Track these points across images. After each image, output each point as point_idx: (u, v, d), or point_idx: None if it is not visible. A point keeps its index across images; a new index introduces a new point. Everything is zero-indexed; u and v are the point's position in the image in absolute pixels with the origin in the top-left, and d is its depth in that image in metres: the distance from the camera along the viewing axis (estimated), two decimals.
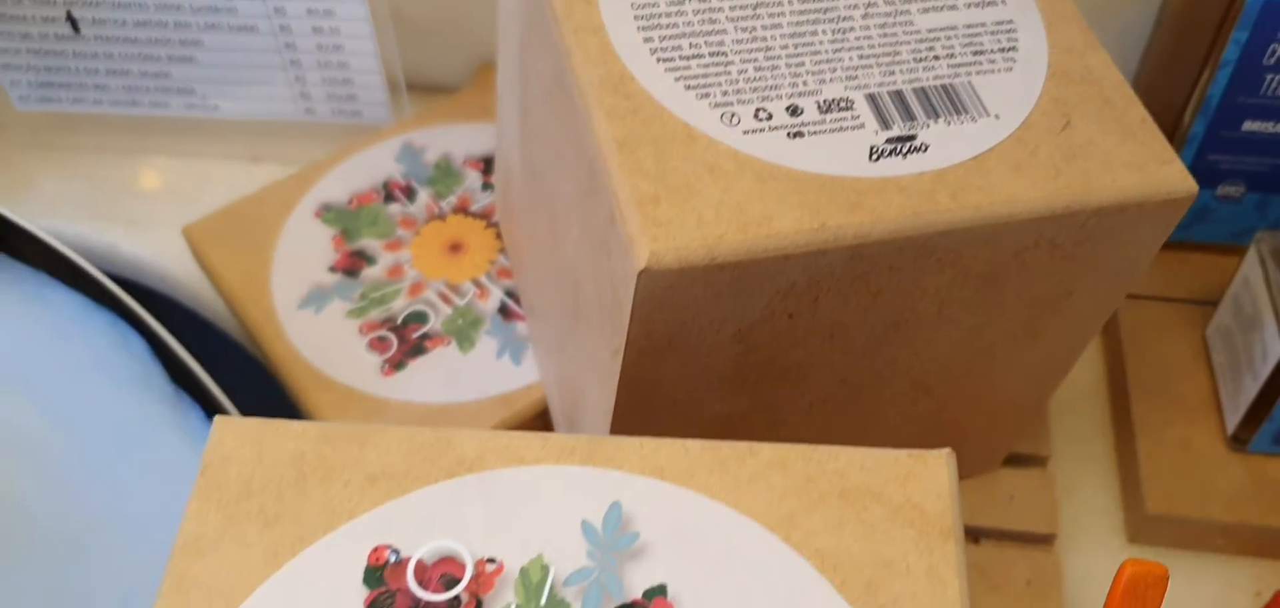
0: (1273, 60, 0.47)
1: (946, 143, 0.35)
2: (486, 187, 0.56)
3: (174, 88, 0.60)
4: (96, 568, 0.51)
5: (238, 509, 0.29)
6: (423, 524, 0.29)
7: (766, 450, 0.30)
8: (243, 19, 0.56)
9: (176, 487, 0.50)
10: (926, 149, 0.35)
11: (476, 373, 0.49)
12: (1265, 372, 0.46)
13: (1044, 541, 0.47)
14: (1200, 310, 0.53)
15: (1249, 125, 0.50)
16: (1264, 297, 0.46)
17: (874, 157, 0.35)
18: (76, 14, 0.56)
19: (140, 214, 0.60)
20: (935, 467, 0.29)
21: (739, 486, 0.29)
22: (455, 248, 0.54)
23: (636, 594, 0.28)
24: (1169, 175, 0.36)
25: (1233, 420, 0.48)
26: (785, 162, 0.34)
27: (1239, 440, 0.48)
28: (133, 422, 0.49)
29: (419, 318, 0.51)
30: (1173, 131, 0.51)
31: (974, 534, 0.48)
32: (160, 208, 0.60)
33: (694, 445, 0.30)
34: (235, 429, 0.31)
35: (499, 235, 0.54)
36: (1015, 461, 0.49)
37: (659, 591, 0.28)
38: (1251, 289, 0.47)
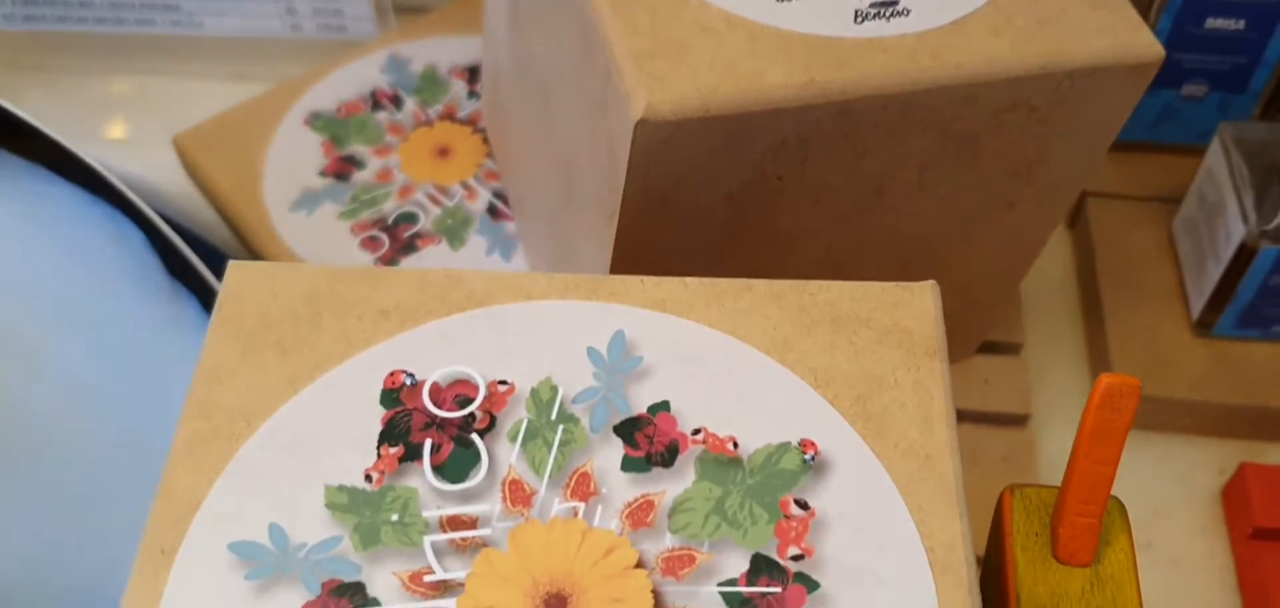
0: None
1: (927, 7, 0.37)
2: (473, 95, 0.57)
3: (159, 5, 0.60)
4: (96, 463, 0.51)
5: (255, 341, 0.30)
6: (435, 352, 0.30)
7: (761, 285, 0.31)
8: None
9: (174, 380, 0.51)
10: (908, 13, 0.36)
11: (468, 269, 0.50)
12: (1228, 254, 0.48)
13: (1019, 421, 0.49)
14: (1166, 208, 0.55)
15: (1212, 23, 0.51)
16: (1227, 183, 0.48)
17: (858, 19, 0.36)
18: None
19: (126, 133, 0.60)
20: (921, 295, 0.31)
21: (736, 316, 0.31)
22: (443, 152, 0.55)
23: (641, 409, 0.29)
24: (1138, 41, 0.37)
25: (1198, 305, 0.50)
26: (775, 22, 0.35)
27: (1204, 325, 0.50)
28: (130, 316, 0.50)
29: (409, 218, 0.52)
30: None
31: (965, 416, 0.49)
32: (146, 126, 0.60)
33: (692, 282, 0.31)
34: (250, 271, 0.32)
35: (485, 140, 0.55)
36: (990, 348, 0.51)
37: (662, 406, 0.29)
38: (1215, 178, 0.49)
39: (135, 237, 0.49)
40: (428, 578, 0.26)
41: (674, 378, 0.30)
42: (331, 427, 0.29)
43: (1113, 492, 0.31)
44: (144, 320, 0.50)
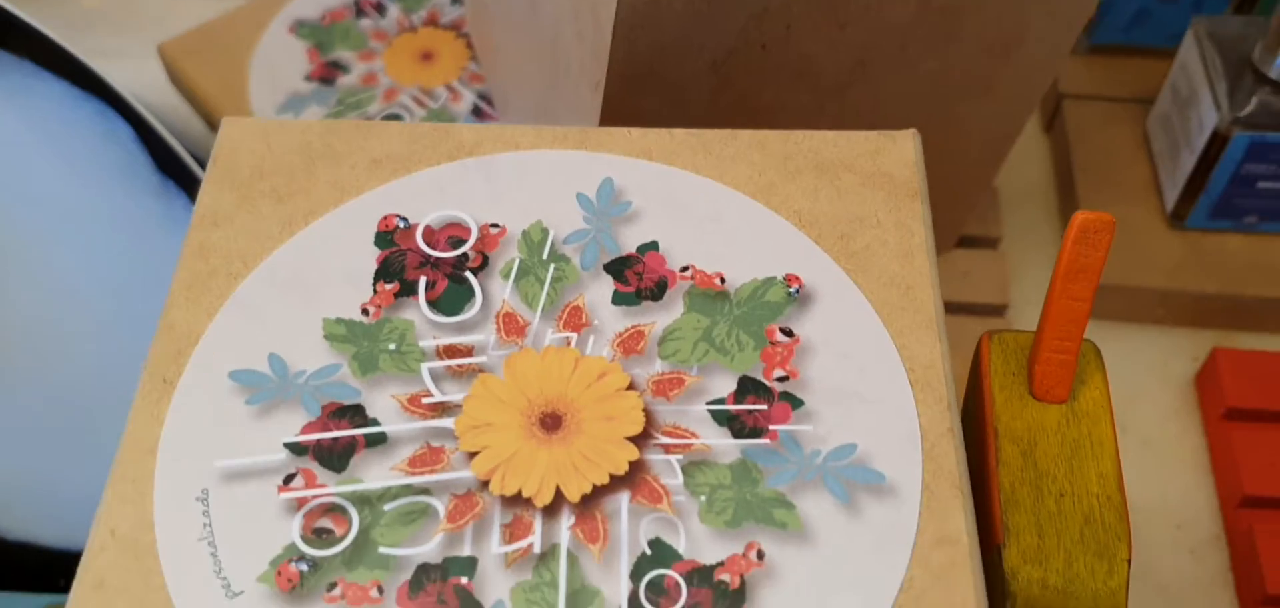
0: None
1: None
2: (455, 1, 0.58)
3: None
4: (89, 361, 0.52)
5: (251, 189, 0.31)
6: (427, 198, 0.31)
7: (746, 135, 0.32)
8: None
9: (164, 275, 0.51)
10: None
11: None
12: (1201, 143, 0.49)
13: (997, 310, 0.50)
14: (1141, 108, 0.56)
15: None
16: (1200, 75, 0.49)
17: None
18: None
19: (110, 45, 0.60)
20: (902, 142, 0.32)
21: (722, 163, 0.31)
22: (427, 57, 0.55)
23: (630, 249, 0.30)
24: None
25: (1171, 198, 0.51)
26: None
27: (1178, 217, 0.51)
28: (120, 212, 0.50)
29: (395, 119, 0.53)
30: None
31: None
32: (131, 38, 0.61)
33: (678, 132, 0.32)
34: (243, 125, 0.32)
35: (469, 45, 0.56)
36: (969, 242, 0.52)
37: (651, 246, 0.30)
38: (1188, 71, 0.50)
39: (125, 132, 0.49)
40: (426, 400, 0.27)
41: (662, 221, 0.30)
42: (327, 266, 0.29)
43: (1093, 345, 0.32)
44: (134, 217, 0.50)
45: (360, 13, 0.57)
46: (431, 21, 0.57)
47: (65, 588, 0.54)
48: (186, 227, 0.51)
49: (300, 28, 0.57)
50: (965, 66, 0.41)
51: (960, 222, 0.51)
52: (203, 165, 0.53)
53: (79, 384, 0.53)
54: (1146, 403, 0.49)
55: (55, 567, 0.54)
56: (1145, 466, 0.47)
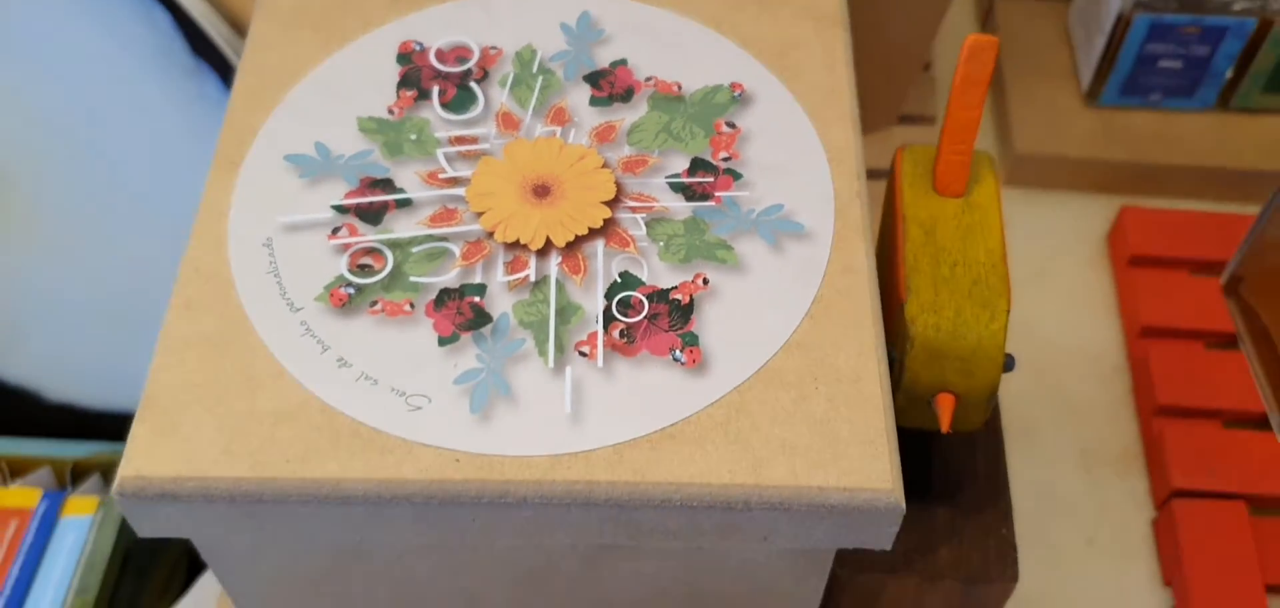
0: None
1: None
2: None
3: None
4: (131, 228, 0.59)
5: (292, 21, 0.38)
6: (437, 27, 0.37)
7: None
8: None
9: (197, 152, 0.58)
10: None
11: None
12: (1109, 25, 0.56)
13: None
14: (1063, 7, 0.62)
15: None
16: None
17: None
18: None
19: None
20: None
21: None
22: None
23: (603, 65, 0.37)
24: None
25: (1086, 79, 0.58)
26: None
27: (1092, 96, 0.58)
28: (157, 94, 0.57)
29: None
30: None
31: (873, 174, 0.57)
32: None
33: None
34: None
35: None
36: (908, 119, 0.59)
37: (620, 62, 0.37)
38: None
39: (163, 19, 0.56)
40: (441, 175, 0.34)
41: (630, 43, 0.37)
42: (358, 79, 0.36)
43: (987, 154, 0.39)
44: (171, 94, 0.57)
45: None
46: None
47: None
48: (218, 105, 0.58)
49: None
50: None
51: (898, 101, 0.58)
52: (231, 48, 0.59)
53: (122, 249, 0.59)
54: (1066, 256, 0.56)
55: (88, 426, 0.60)
56: (1064, 309, 0.55)
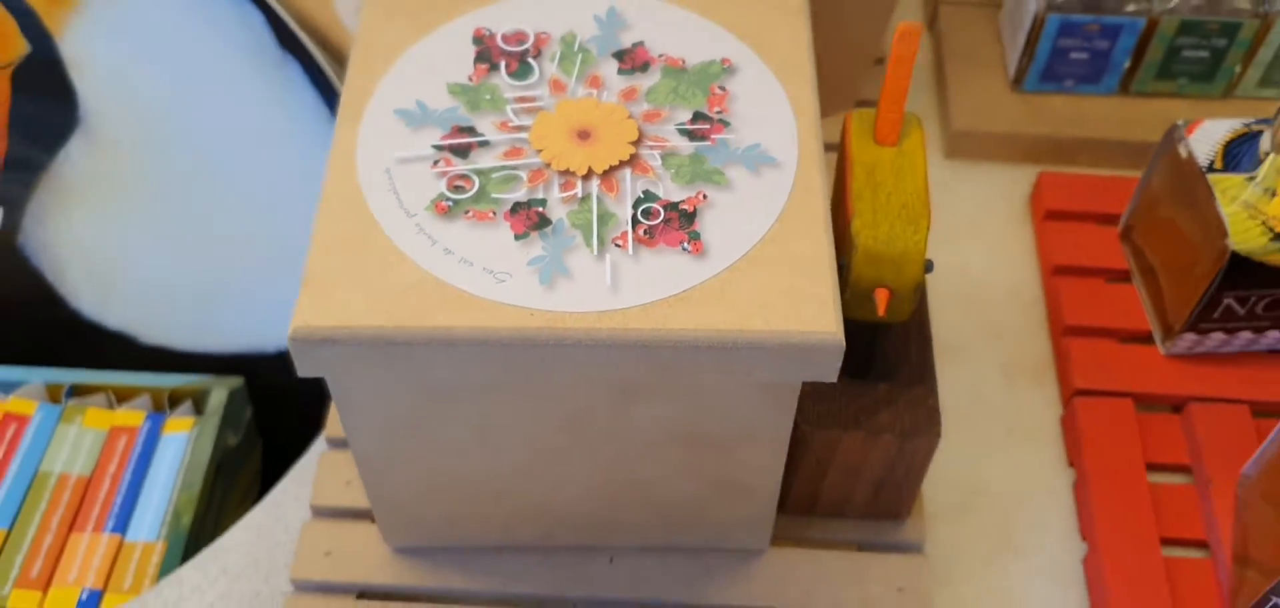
0: None
1: None
2: None
3: None
4: (225, 195, 0.71)
5: (392, 13, 0.50)
6: (502, 19, 0.50)
7: None
8: None
9: (284, 131, 0.70)
10: None
11: None
12: (1028, 23, 0.68)
13: None
14: (997, 10, 0.75)
15: None
16: None
17: None
18: None
19: None
20: None
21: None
22: None
23: (627, 46, 0.49)
24: None
25: (1012, 68, 0.71)
26: None
27: (1017, 83, 0.71)
28: (248, 81, 0.69)
29: None
30: None
31: (831, 147, 0.70)
32: None
33: None
34: None
35: None
36: (863, 103, 0.71)
37: (639, 43, 0.49)
38: None
39: (256, 17, 0.68)
40: (510, 125, 0.46)
41: (645, 29, 0.49)
42: (445, 57, 0.48)
43: (915, 116, 0.51)
44: (260, 83, 0.69)
45: None
46: None
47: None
48: (302, 91, 0.70)
49: None
50: None
51: (854, 88, 0.70)
52: (314, 43, 0.71)
53: (210, 214, 0.71)
54: (995, 214, 0.69)
55: (176, 366, 0.72)
56: (992, 255, 0.67)
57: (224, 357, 0.70)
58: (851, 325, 0.51)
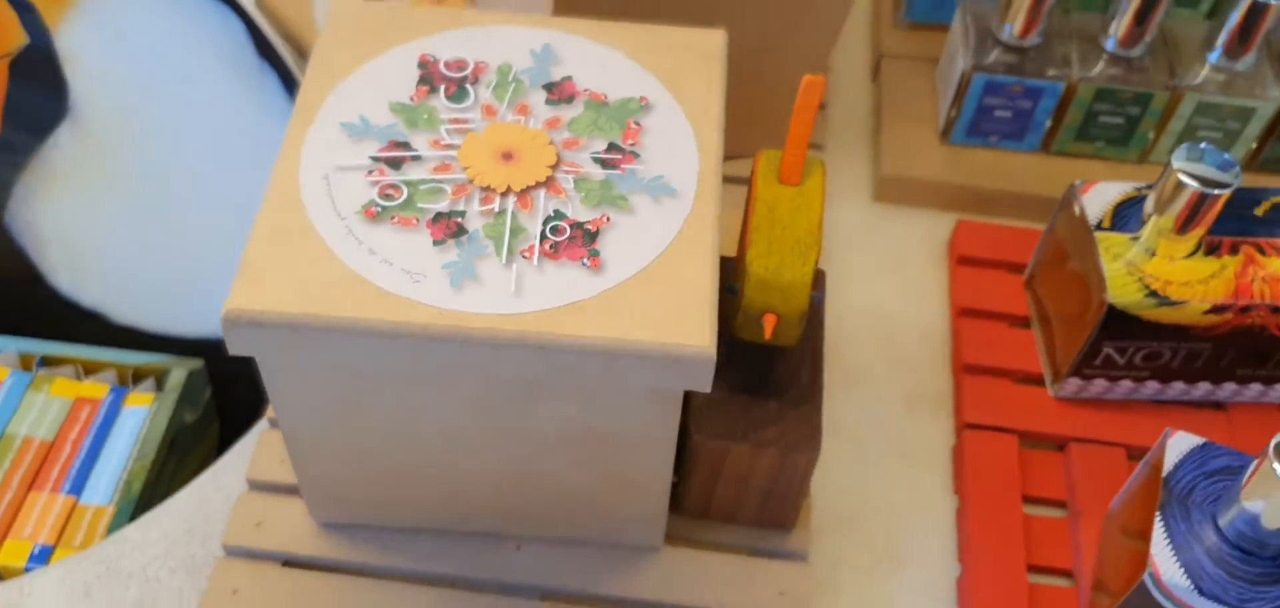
0: None
1: None
2: None
3: None
4: (199, 187, 0.76)
5: (348, 36, 0.55)
6: (446, 47, 0.55)
7: (625, 24, 0.56)
8: None
9: (258, 136, 0.75)
10: None
11: None
12: (954, 81, 0.73)
13: None
14: (934, 65, 0.80)
15: None
16: (960, 37, 0.74)
17: None
18: None
19: None
20: (716, 35, 0.56)
21: (610, 35, 0.56)
22: None
23: (556, 78, 0.54)
24: None
25: (941, 121, 0.76)
26: None
27: (945, 135, 0.76)
28: (227, 86, 0.74)
29: None
30: None
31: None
32: None
33: (585, 20, 0.56)
34: (351, 7, 0.56)
35: None
36: None
37: (568, 77, 0.54)
38: (955, 36, 0.75)
39: (237, 26, 0.73)
40: (442, 141, 0.51)
41: (576, 66, 0.54)
42: (392, 77, 0.53)
43: (820, 160, 0.56)
44: (239, 87, 0.74)
45: None
46: None
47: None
48: (279, 100, 0.75)
49: None
50: (777, 19, 0.66)
51: None
52: (289, 55, 0.77)
53: (183, 206, 0.77)
54: (914, 256, 0.74)
55: (145, 345, 0.77)
56: (908, 294, 0.72)
57: (188, 340, 0.75)
58: (749, 347, 0.56)
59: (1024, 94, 0.73)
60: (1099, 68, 0.72)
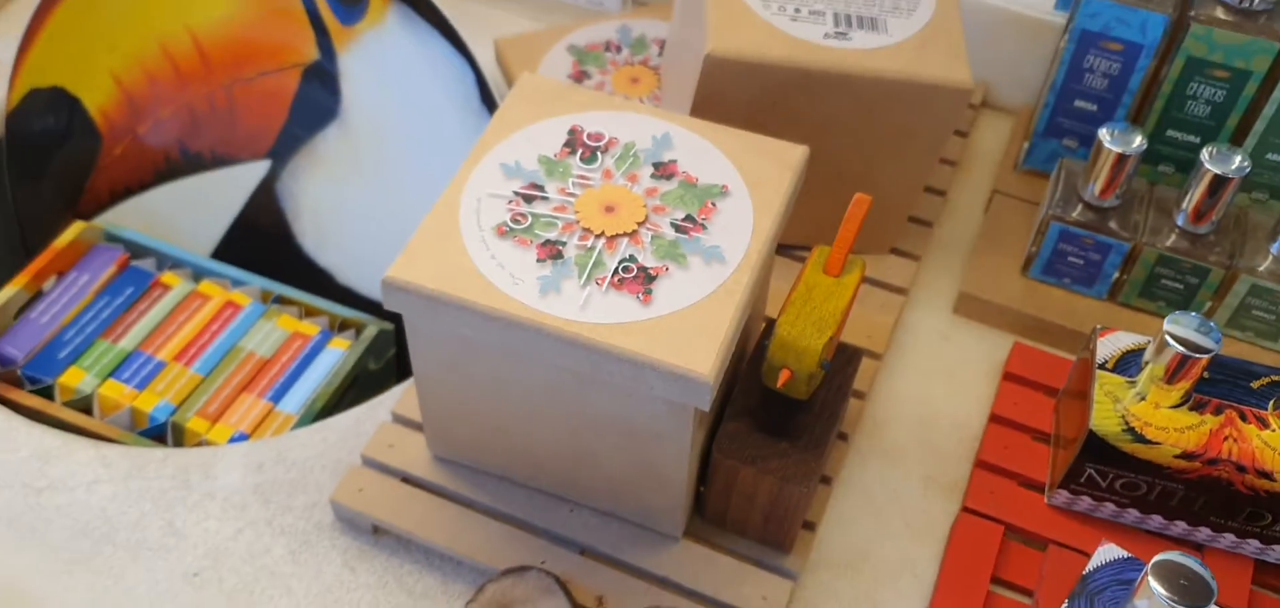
0: (1090, 65, 0.87)
1: (862, 40, 0.77)
2: (659, 53, 1.01)
3: None
4: (408, 194, 0.97)
5: (527, 100, 0.74)
6: (592, 122, 0.73)
7: (735, 131, 0.73)
8: None
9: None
10: (850, 38, 0.77)
11: None
12: (1037, 228, 0.85)
13: (901, 291, 0.88)
14: (1037, 207, 0.92)
15: (1078, 104, 0.89)
16: (1051, 188, 0.86)
17: (826, 37, 0.77)
18: None
19: (470, 36, 1.07)
20: (796, 150, 0.72)
21: (714, 134, 0.72)
22: (635, 81, 0.99)
23: (664, 159, 0.71)
24: (959, 74, 0.77)
25: (1024, 257, 0.88)
26: (787, 30, 0.77)
27: (1025, 269, 0.88)
28: (454, 118, 0.95)
29: None
30: (1033, 111, 0.91)
31: (867, 280, 0.89)
32: (478, 32, 1.07)
33: (699, 121, 0.73)
34: (534, 80, 0.76)
35: (658, 76, 0.99)
36: (897, 252, 0.90)
37: (673, 160, 0.71)
38: (1051, 185, 0.87)
39: (470, 76, 0.94)
40: (567, 191, 0.69)
41: (682, 153, 0.71)
42: (546, 137, 0.72)
43: (861, 260, 0.70)
44: (460, 125, 0.95)
45: (607, 48, 1.01)
46: (643, 63, 1.00)
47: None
48: None
49: (572, 49, 1.01)
50: (881, 139, 0.81)
51: (892, 237, 0.89)
52: None
53: (402, 206, 0.98)
54: (971, 366, 0.86)
55: (355, 302, 0.99)
56: (957, 397, 0.84)
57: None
58: (779, 398, 0.71)
59: (1094, 247, 0.84)
60: (1165, 236, 0.83)
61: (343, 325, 0.94)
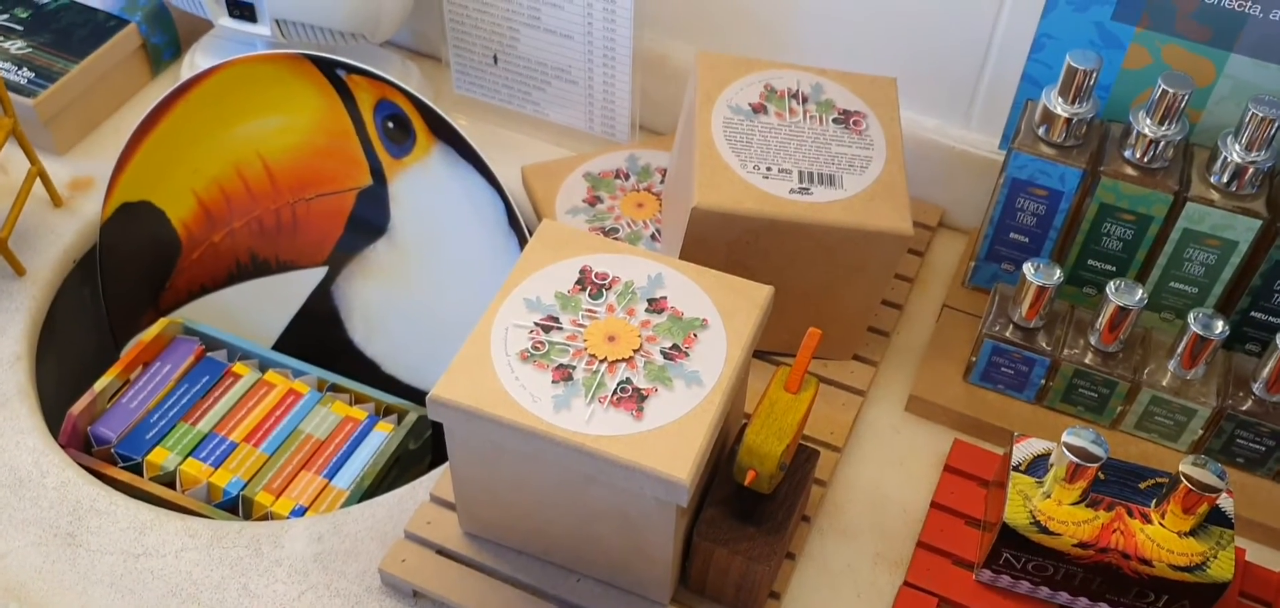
0: (1021, 206, 1.03)
1: (821, 194, 0.94)
2: (662, 180, 1.18)
3: (536, 98, 1.24)
4: (447, 309, 1.14)
5: (548, 243, 0.91)
6: (599, 263, 0.90)
7: (712, 273, 0.89)
8: (573, 76, 1.20)
9: (495, 280, 1.13)
10: (812, 192, 0.94)
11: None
12: (975, 338, 1.01)
13: (860, 392, 1.04)
14: (975, 320, 1.08)
15: (1014, 236, 1.05)
16: (989, 306, 1.02)
17: (791, 192, 0.94)
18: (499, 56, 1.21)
19: (500, 160, 1.24)
20: (761, 290, 0.88)
21: (700, 277, 0.89)
22: (640, 205, 1.15)
23: (657, 297, 0.88)
24: (900, 224, 0.93)
25: (965, 364, 1.04)
26: (760, 186, 0.94)
27: (965, 375, 1.04)
28: (484, 240, 1.12)
29: (615, 230, 1.13)
30: (978, 236, 1.07)
31: (826, 380, 1.05)
32: (508, 159, 1.24)
33: (689, 264, 0.90)
34: (552, 225, 0.92)
35: (660, 203, 1.16)
36: (858, 358, 1.06)
37: (663, 297, 0.88)
38: (989, 304, 1.03)
39: (499, 202, 1.11)
40: (577, 322, 0.86)
41: (672, 291, 0.88)
42: (562, 275, 0.89)
43: (816, 380, 0.86)
44: (490, 246, 1.12)
45: (617, 176, 1.18)
46: (648, 189, 1.17)
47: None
48: (513, 255, 1.13)
49: (588, 176, 1.18)
50: (838, 271, 0.97)
51: (852, 347, 1.05)
52: (531, 232, 1.14)
53: (439, 310, 1.15)
54: (921, 460, 1.02)
55: (398, 390, 1.16)
56: (907, 487, 1.00)
57: (424, 393, 1.13)
58: (750, 492, 0.87)
59: (1022, 360, 1.00)
60: (1081, 353, 0.99)
61: (387, 410, 1.11)
